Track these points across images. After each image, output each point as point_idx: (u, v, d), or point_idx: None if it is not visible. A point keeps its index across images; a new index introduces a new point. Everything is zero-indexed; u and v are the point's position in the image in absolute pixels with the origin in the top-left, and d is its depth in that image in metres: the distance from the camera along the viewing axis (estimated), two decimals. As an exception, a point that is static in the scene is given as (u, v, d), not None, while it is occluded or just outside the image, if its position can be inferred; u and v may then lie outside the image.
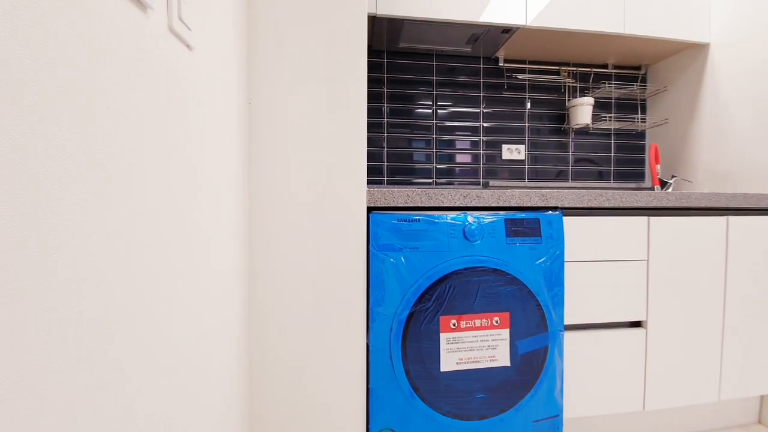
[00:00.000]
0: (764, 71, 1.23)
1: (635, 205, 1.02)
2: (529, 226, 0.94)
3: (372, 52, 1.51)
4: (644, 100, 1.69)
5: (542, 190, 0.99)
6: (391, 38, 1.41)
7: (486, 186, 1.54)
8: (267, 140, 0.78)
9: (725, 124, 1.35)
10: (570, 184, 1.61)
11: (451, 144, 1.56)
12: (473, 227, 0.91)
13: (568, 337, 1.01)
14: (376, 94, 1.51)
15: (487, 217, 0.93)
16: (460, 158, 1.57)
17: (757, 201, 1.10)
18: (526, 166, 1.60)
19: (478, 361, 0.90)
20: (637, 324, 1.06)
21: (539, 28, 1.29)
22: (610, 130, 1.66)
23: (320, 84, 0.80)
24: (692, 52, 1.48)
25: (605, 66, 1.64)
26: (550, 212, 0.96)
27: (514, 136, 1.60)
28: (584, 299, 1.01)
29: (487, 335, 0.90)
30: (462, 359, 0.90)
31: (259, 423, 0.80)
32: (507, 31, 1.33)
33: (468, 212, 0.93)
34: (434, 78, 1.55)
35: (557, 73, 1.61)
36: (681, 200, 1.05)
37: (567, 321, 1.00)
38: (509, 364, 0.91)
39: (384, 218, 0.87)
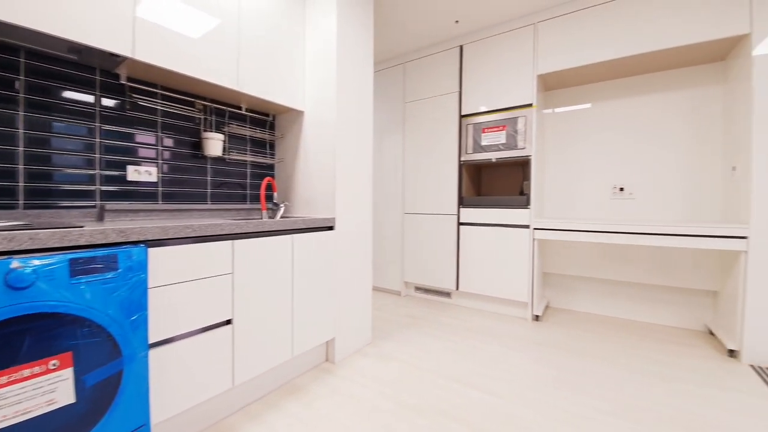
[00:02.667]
0: (320, 134, 1.93)
1: (220, 233, 1.33)
2: (103, 262, 1.00)
3: None
4: (273, 141, 2.20)
5: (122, 227, 1.07)
6: None
7: (102, 209, 1.46)
8: None
9: (310, 167, 2.01)
10: (208, 206, 1.84)
11: (48, 160, 1.34)
12: (22, 273, 0.85)
13: (161, 351, 1.17)
14: None
15: (43, 260, 0.90)
16: (66, 177, 1.39)
17: (310, 223, 1.74)
18: (160, 189, 1.67)
19: (31, 411, 0.86)
20: (228, 322, 1.39)
21: (147, 63, 1.37)
22: (246, 161, 2.04)
23: None
24: (296, 114, 2.08)
25: (240, 107, 1.98)
26: (131, 246, 1.07)
27: (144, 157, 1.61)
28: (178, 314, 1.20)
29: (41, 381, 0.88)
30: (6, 416, 0.83)
31: None
32: (116, 55, 1.32)
33: (15, 256, 0.86)
34: (23, 77, 1.28)
35: (192, 105, 1.78)
36: (258, 227, 1.48)
37: (157, 338, 1.15)
38: (75, 400, 0.93)
39: None
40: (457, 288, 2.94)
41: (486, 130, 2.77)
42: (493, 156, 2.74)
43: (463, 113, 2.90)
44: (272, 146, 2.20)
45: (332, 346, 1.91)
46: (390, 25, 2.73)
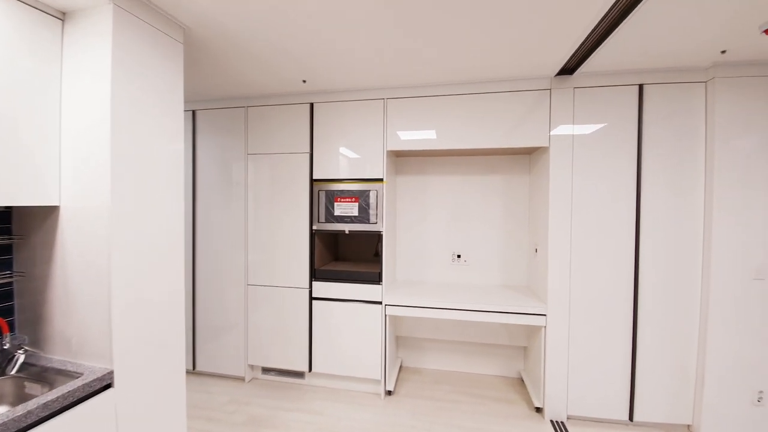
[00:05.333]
0: (87, 234, 1.33)
1: None
2: None
3: None
4: (9, 244, 1.43)
5: None
6: None
7: None
8: None
9: (70, 285, 1.36)
10: None
11: None
12: None
13: None
14: None
15: None
16: None
17: (57, 403, 1.14)
18: None
19: None
20: None
21: None
22: (-63, 287, 1.24)
23: None
24: (47, 210, 1.39)
25: None
26: None
27: None
28: None
29: None
30: None
31: None
32: None
33: None
34: None
35: None
36: None
37: None
38: None
39: None
40: (311, 369, 2.67)
41: (339, 200, 2.58)
42: (346, 228, 2.58)
43: (315, 177, 2.64)
44: (7, 251, 1.42)
45: None
46: (222, 71, 2.23)
